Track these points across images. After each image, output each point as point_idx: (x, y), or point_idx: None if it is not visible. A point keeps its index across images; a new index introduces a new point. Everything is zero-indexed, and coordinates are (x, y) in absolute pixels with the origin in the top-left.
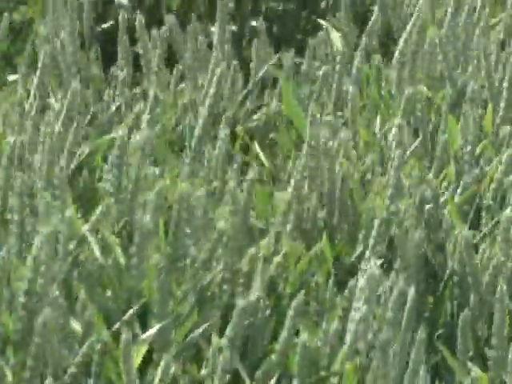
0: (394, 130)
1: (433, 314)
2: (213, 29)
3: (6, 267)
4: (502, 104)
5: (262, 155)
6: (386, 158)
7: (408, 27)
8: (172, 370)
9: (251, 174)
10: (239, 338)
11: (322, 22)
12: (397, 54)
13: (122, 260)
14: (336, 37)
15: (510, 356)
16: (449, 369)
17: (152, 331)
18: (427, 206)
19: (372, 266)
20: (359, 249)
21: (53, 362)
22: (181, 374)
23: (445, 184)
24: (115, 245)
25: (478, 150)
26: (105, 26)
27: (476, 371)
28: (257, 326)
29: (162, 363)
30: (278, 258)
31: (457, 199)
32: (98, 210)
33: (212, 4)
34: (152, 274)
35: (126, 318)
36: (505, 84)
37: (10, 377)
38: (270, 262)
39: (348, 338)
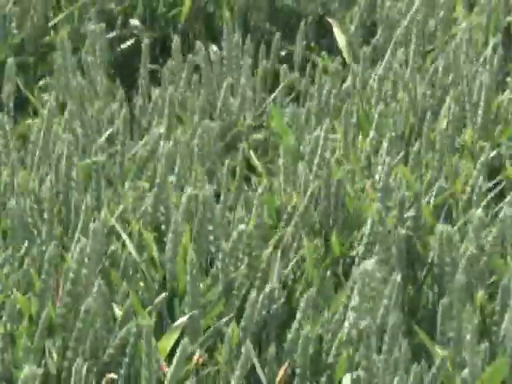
0: (384, 142)
1: (414, 301)
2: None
3: (53, 260)
4: (479, 121)
5: (258, 165)
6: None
7: (389, 49)
8: (191, 354)
9: (261, 188)
10: (253, 327)
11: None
12: (380, 71)
13: (155, 255)
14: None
15: (467, 337)
16: (427, 351)
17: (183, 319)
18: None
19: (366, 262)
20: (355, 245)
21: (93, 343)
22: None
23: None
24: (150, 241)
25: (453, 161)
26: (123, 46)
27: (440, 350)
28: (271, 315)
29: (180, 348)
30: (297, 255)
31: (432, 201)
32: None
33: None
34: (183, 267)
35: (156, 301)
36: (481, 103)
37: (55, 357)
38: (287, 257)
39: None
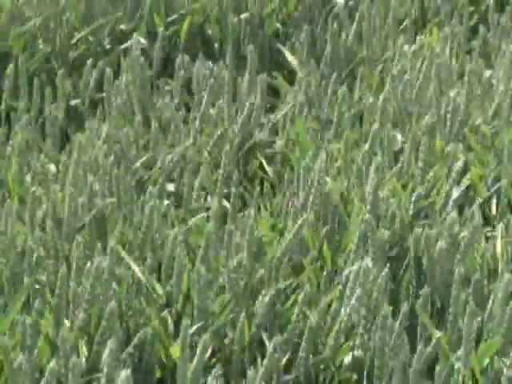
0: (375, 159)
1: (396, 291)
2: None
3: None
4: (448, 130)
5: (270, 172)
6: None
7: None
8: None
9: (252, 213)
10: (265, 324)
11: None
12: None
13: (159, 290)
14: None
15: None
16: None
17: (192, 329)
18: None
19: (365, 260)
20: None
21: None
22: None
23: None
24: (155, 284)
25: (431, 173)
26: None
27: (438, 333)
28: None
29: (201, 343)
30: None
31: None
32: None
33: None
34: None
35: (170, 309)
36: (448, 116)
37: (86, 352)
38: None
39: (343, 314)
